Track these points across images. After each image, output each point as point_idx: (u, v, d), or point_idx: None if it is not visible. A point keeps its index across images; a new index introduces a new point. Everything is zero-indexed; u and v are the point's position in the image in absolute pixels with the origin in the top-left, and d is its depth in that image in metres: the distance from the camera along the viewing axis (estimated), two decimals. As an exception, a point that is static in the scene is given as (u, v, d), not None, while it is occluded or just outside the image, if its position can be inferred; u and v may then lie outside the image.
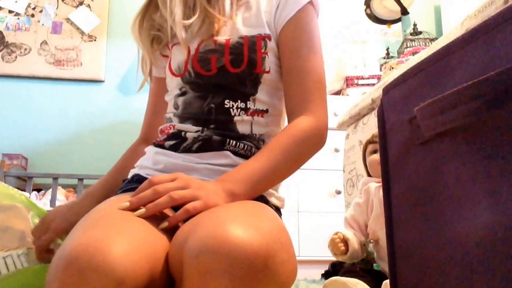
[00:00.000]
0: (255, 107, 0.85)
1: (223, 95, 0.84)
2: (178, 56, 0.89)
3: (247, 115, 0.84)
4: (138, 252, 0.53)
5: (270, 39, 0.86)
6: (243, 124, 0.84)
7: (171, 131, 0.86)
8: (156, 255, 0.57)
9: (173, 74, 0.89)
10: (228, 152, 0.81)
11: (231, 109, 0.84)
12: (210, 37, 0.86)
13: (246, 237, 0.51)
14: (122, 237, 0.54)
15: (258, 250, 0.50)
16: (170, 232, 0.66)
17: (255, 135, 0.85)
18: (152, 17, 0.92)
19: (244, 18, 0.88)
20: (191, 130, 0.84)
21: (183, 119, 0.86)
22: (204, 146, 0.82)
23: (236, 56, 0.84)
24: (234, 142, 0.82)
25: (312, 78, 0.84)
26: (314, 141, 0.81)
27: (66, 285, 0.49)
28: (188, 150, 0.83)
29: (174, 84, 0.90)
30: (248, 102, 0.84)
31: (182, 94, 0.88)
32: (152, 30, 0.93)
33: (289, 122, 0.84)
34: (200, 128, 0.83)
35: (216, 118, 0.83)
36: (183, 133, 0.84)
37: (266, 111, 0.86)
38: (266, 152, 0.77)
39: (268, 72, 0.85)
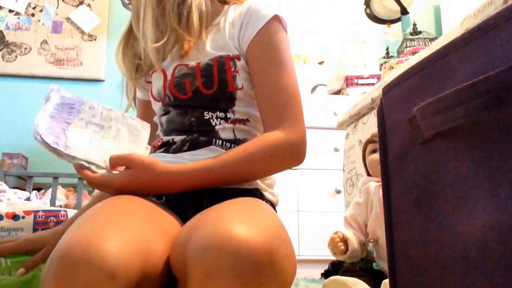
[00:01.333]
0: (235, 117, 0.87)
1: (202, 110, 0.86)
2: (157, 82, 0.91)
3: (228, 123, 0.86)
4: (130, 247, 0.54)
5: (239, 59, 0.87)
6: (225, 131, 0.86)
7: (159, 143, 0.90)
8: (149, 250, 0.57)
9: (155, 99, 0.93)
10: (215, 147, 0.84)
11: (211, 120, 0.86)
12: (180, 57, 0.88)
13: (249, 235, 0.52)
14: (115, 232, 0.55)
15: (261, 247, 0.51)
16: (166, 228, 0.66)
17: (239, 139, 0.86)
18: (134, 46, 0.94)
19: (212, 41, 0.89)
20: (177, 138, 0.87)
21: (167, 132, 0.90)
22: (193, 146, 0.85)
23: (207, 78, 0.86)
24: (220, 141, 0.85)
25: (283, 94, 0.83)
26: (284, 154, 0.80)
27: (59, 277, 0.50)
28: (178, 150, 0.85)
29: (157, 108, 0.94)
30: (227, 113, 0.86)
31: (166, 113, 0.91)
32: (135, 58, 0.95)
33: None
34: (184, 137, 0.86)
35: (198, 129, 0.86)
36: (171, 139, 0.87)
37: (247, 120, 0.88)
38: (228, 154, 0.78)
39: (242, 88, 0.87)
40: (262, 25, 0.85)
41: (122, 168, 0.75)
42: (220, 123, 0.85)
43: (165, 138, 0.88)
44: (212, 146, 0.84)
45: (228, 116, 0.86)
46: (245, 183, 0.82)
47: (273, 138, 0.80)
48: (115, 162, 0.75)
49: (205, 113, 0.86)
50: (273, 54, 0.85)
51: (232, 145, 0.85)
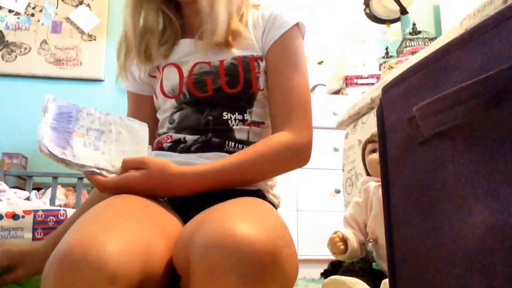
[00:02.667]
0: (252, 119, 0.87)
1: (221, 109, 0.86)
2: (171, 78, 0.90)
3: (244, 125, 0.87)
4: (131, 249, 0.54)
5: (262, 60, 0.89)
6: (241, 132, 0.86)
7: (169, 140, 0.88)
8: (150, 252, 0.57)
9: (166, 96, 0.90)
10: (225, 154, 0.83)
11: (229, 120, 0.86)
12: (224, 44, 0.87)
13: (253, 233, 0.52)
14: (116, 233, 0.55)
15: (265, 246, 0.51)
16: (167, 229, 0.66)
17: (251, 142, 0.87)
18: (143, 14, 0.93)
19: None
20: (189, 137, 0.86)
21: (179, 130, 0.88)
22: (203, 148, 0.84)
23: (232, 77, 0.86)
24: (233, 143, 0.85)
25: (295, 96, 0.85)
26: (291, 155, 0.82)
27: (60, 278, 0.50)
28: (186, 150, 0.85)
29: (168, 105, 0.91)
30: (245, 115, 0.87)
31: (179, 110, 0.89)
32: (145, 35, 0.92)
33: None
34: (197, 137, 0.85)
35: (214, 128, 0.85)
36: (182, 138, 0.86)
37: (262, 123, 0.89)
38: (240, 154, 0.78)
39: (263, 90, 0.88)
40: (284, 31, 0.88)
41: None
42: (237, 125, 0.86)
43: (176, 136, 0.87)
44: (221, 153, 0.83)
45: (246, 118, 0.87)
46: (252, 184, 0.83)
47: (282, 139, 0.81)
48: (128, 165, 0.74)
49: (224, 113, 0.86)
50: (290, 57, 0.88)
51: (244, 147, 0.85)
